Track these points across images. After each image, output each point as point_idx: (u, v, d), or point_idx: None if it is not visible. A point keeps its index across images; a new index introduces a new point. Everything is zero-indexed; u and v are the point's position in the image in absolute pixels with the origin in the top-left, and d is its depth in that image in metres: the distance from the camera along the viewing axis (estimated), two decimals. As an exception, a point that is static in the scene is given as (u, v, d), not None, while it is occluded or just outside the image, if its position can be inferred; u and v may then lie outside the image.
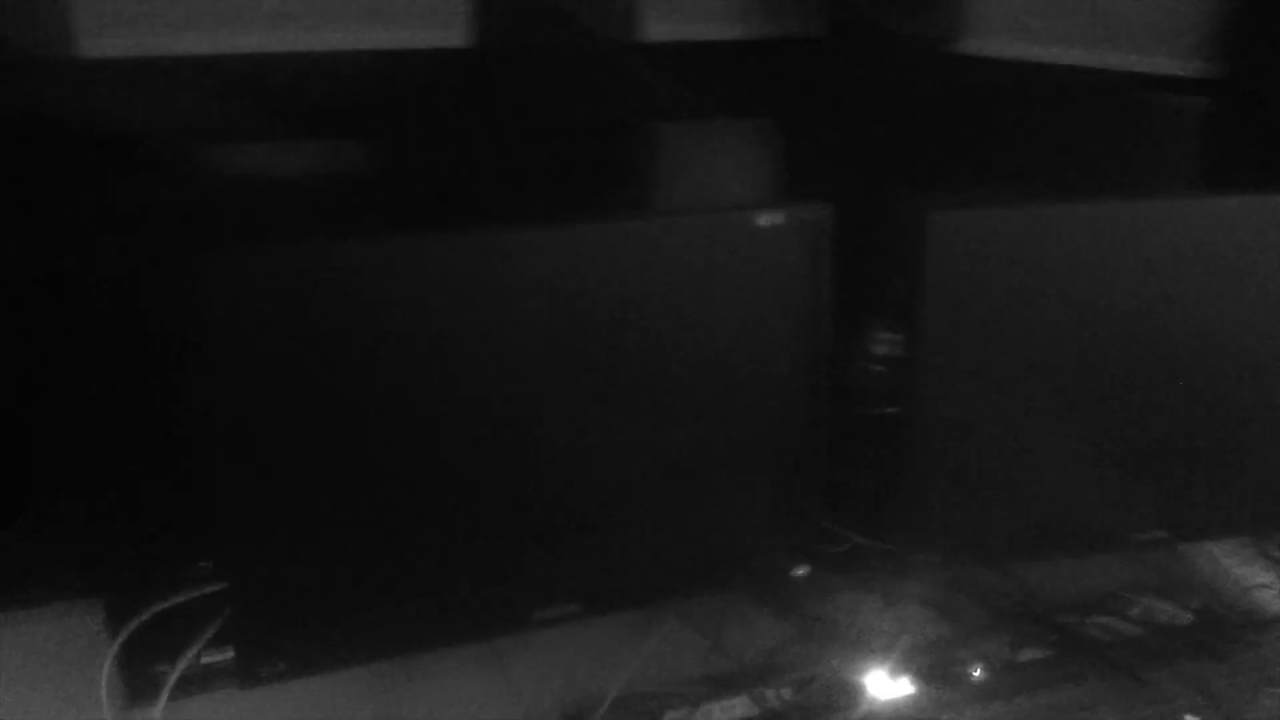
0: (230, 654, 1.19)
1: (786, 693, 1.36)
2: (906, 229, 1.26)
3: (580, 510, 1.23)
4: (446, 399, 1.13)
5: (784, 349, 1.26)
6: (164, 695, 1.19)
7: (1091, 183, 1.68)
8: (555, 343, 1.16)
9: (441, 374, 1.12)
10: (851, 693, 1.36)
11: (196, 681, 1.20)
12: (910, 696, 1.36)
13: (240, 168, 1.28)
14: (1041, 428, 1.36)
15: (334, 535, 1.13)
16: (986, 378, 1.32)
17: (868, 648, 1.41)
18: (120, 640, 1.16)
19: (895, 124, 1.65)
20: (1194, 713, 1.36)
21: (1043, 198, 1.30)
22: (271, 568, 1.12)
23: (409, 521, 1.16)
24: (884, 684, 1.37)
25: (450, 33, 1.47)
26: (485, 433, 1.16)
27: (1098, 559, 1.57)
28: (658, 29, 1.56)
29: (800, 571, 1.35)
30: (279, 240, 1.07)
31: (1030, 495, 1.39)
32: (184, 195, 1.24)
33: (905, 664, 1.40)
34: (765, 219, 1.19)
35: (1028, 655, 1.48)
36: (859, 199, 1.42)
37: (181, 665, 1.18)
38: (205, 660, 1.21)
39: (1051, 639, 1.50)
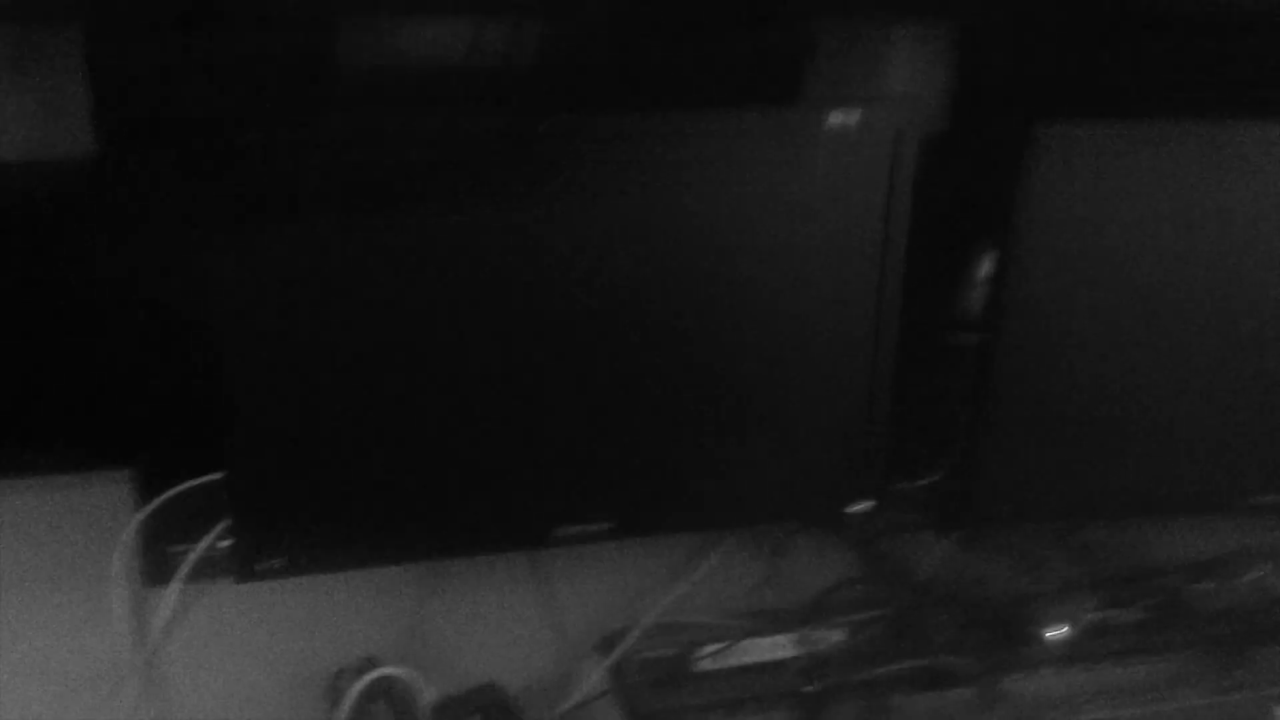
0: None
1: (837, 635, 1.27)
2: (1008, 142, 1.14)
3: (621, 426, 1.15)
4: (483, 297, 1.06)
5: (858, 267, 1.14)
6: (180, 575, 1.17)
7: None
8: (597, 248, 1.07)
9: (480, 271, 1.05)
10: (908, 643, 1.26)
11: (216, 566, 1.18)
12: (973, 652, 1.26)
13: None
14: (1146, 370, 1.22)
15: (341, 432, 1.07)
16: (1085, 312, 1.18)
17: (933, 596, 1.30)
18: (140, 516, 1.14)
19: (1050, 38, 1.50)
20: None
21: (1161, 114, 1.15)
22: (276, 460, 1.07)
23: (422, 424, 1.09)
24: (945, 637, 1.27)
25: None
26: (523, 339, 1.08)
27: (1214, 521, 1.43)
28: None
29: (861, 507, 1.24)
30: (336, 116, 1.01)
31: (1128, 443, 1.25)
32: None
33: (973, 617, 1.29)
34: (836, 118, 1.08)
35: (1119, 618, 1.36)
36: (965, 112, 1.29)
37: (201, 547, 1.15)
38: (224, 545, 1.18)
39: (1148, 603, 1.38)
